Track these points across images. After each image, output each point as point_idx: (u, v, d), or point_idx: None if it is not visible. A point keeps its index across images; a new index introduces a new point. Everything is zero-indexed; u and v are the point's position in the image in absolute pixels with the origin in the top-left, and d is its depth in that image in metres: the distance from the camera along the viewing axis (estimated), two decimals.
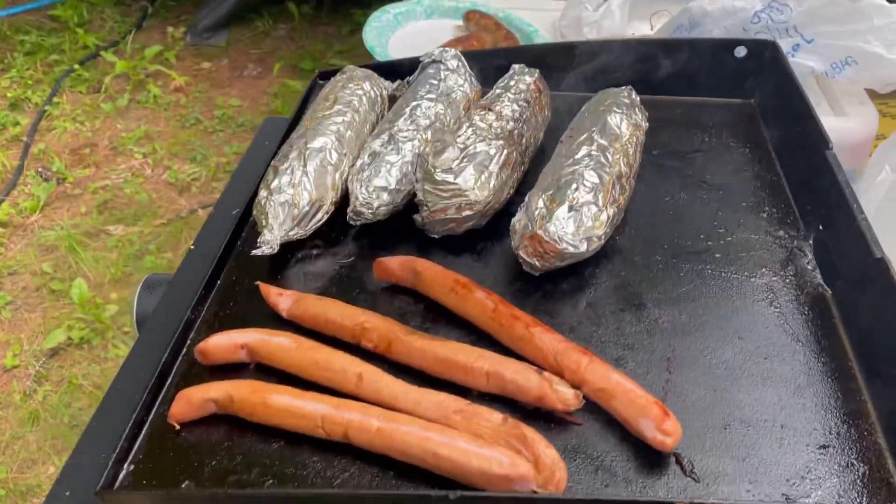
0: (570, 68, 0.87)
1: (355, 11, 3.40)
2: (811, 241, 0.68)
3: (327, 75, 0.90)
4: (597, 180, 0.64)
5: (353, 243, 0.70)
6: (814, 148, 0.70)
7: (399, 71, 0.86)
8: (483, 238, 0.69)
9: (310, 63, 3.25)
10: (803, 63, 1.02)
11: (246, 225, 0.71)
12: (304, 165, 0.67)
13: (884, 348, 0.54)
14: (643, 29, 1.26)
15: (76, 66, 3.11)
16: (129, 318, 2.21)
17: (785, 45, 1.03)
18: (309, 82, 0.91)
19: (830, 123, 1.04)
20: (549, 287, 0.65)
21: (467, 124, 0.69)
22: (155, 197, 2.66)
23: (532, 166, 0.74)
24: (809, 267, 0.66)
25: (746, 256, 0.67)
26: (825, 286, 0.64)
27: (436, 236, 0.68)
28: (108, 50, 3.23)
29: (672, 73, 0.87)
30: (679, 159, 0.79)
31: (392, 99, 0.83)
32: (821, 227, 0.66)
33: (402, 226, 0.70)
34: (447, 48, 0.82)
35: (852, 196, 0.63)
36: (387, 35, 1.19)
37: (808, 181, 0.71)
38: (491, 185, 0.66)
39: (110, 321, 2.18)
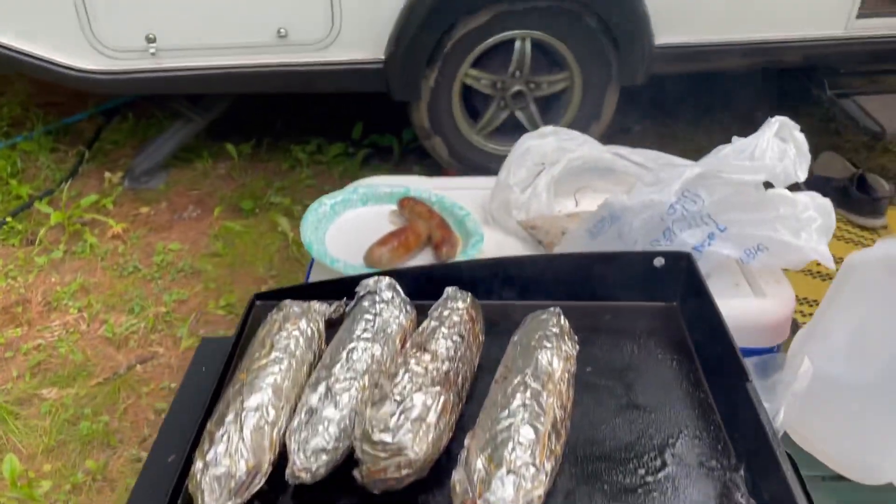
0: (502, 282, 0.90)
1: (294, 147, 3.48)
2: (741, 473, 0.70)
3: (264, 296, 0.91)
4: (532, 436, 0.65)
5: (292, 501, 0.69)
6: (734, 377, 0.74)
7: (337, 288, 0.88)
8: (424, 489, 0.69)
9: (250, 202, 3.29)
10: (719, 251, 1.08)
11: (181, 492, 0.69)
12: (241, 430, 0.67)
13: None
14: (568, 206, 1.33)
15: (8, 219, 3.07)
16: (63, 493, 2.10)
17: (701, 233, 1.09)
18: (246, 305, 0.91)
19: (750, 304, 1.11)
20: None
21: (403, 370, 0.71)
22: (91, 354, 2.58)
23: (468, 397, 0.75)
24: (743, 501, 0.67)
25: (681, 491, 0.69)
26: None
27: (376, 492, 0.68)
28: (42, 200, 3.21)
29: (598, 281, 0.91)
30: (611, 377, 0.82)
31: (329, 322, 0.84)
32: (748, 461, 0.69)
33: (341, 479, 0.69)
34: (381, 277, 0.84)
35: (776, 441, 0.66)
36: (324, 227, 1.21)
37: (732, 409, 0.74)
38: (430, 439, 0.67)
39: (44, 498, 2.07)
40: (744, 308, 1.08)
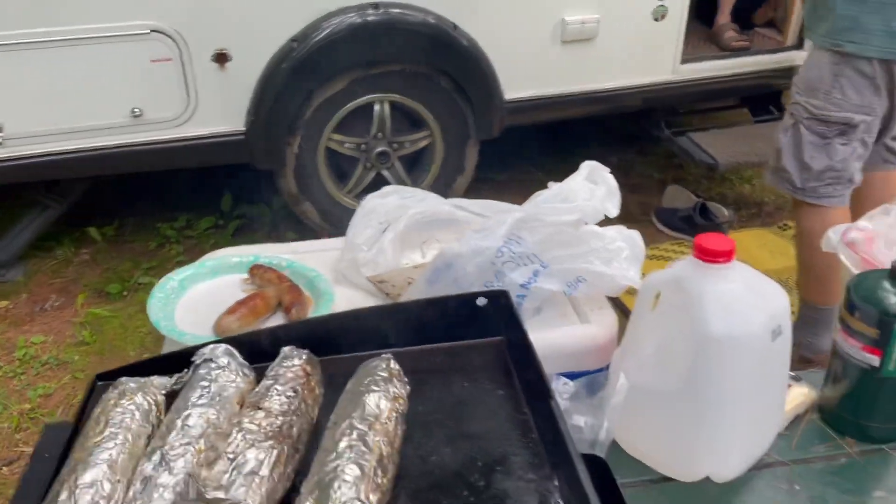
0: (340, 335, 0.96)
1: (162, 225, 3.42)
2: (555, 480, 0.77)
3: (105, 377, 0.92)
4: (357, 473, 0.70)
5: None
6: (543, 397, 0.82)
7: (177, 361, 0.91)
8: None
9: (117, 286, 3.20)
10: (544, 287, 1.19)
11: None
12: None
13: None
14: (415, 258, 1.41)
15: None
16: None
17: (528, 272, 1.20)
18: (87, 387, 0.92)
19: (577, 331, 1.22)
20: None
21: (237, 429, 0.75)
22: None
23: (308, 448, 0.80)
24: None
25: None
26: None
27: None
28: None
29: (431, 325, 0.99)
30: (443, 412, 0.89)
31: (171, 395, 0.87)
32: (557, 470, 0.77)
33: None
34: (218, 344, 0.88)
35: (574, 449, 0.75)
36: (173, 304, 1.23)
37: (543, 422, 0.82)
38: (263, 491, 0.71)
39: None
40: (572, 335, 1.19)
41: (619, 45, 3.23)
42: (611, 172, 1.29)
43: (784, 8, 3.75)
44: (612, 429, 1.02)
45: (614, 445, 1.09)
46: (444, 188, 3.20)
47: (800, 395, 1.16)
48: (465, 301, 0.99)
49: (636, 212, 3.54)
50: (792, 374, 1.20)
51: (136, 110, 2.70)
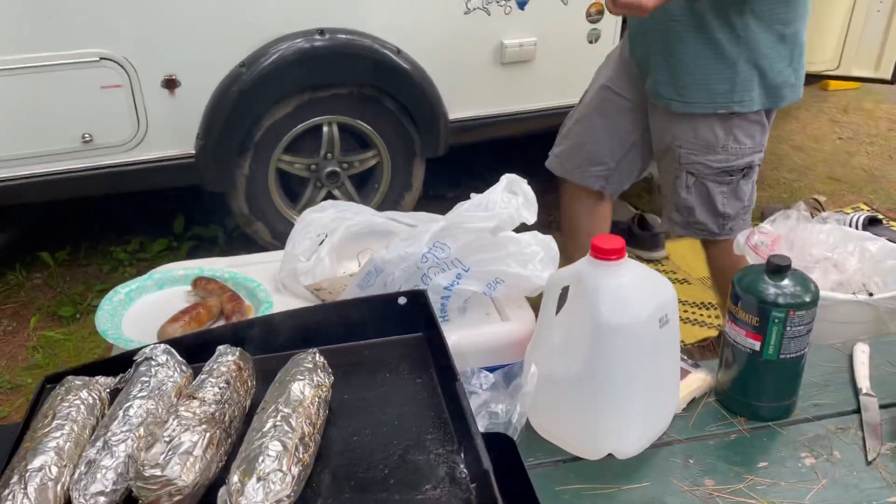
0: (272, 335, 1.05)
1: (115, 248, 3.46)
2: (462, 454, 0.88)
3: (54, 379, 1.00)
4: (280, 448, 0.80)
5: None
6: (450, 380, 0.93)
7: (120, 362, 0.99)
8: None
9: (70, 308, 3.22)
10: (466, 288, 1.30)
11: None
12: (25, 487, 0.76)
13: None
14: (352, 267, 1.51)
15: None
16: None
17: (451, 275, 1.31)
18: (36, 389, 1.00)
19: (497, 328, 1.33)
20: None
21: (173, 416, 0.83)
22: None
23: (240, 434, 0.88)
24: (461, 475, 0.85)
25: (415, 476, 0.86)
26: (471, 489, 0.83)
27: None
28: None
29: (357, 324, 1.09)
30: (366, 399, 0.99)
31: (115, 393, 0.95)
32: (463, 444, 0.87)
33: None
34: (158, 344, 0.97)
35: (472, 420, 0.85)
36: (120, 314, 1.31)
37: (452, 404, 0.93)
38: (196, 469, 0.80)
39: None
40: (493, 332, 1.30)
41: (556, 67, 3.39)
42: (528, 184, 1.41)
43: None
44: (525, 412, 1.13)
45: (530, 430, 1.20)
46: (392, 205, 3.30)
47: (697, 381, 1.29)
48: (388, 300, 1.09)
49: None
50: (691, 361, 1.33)
51: (86, 136, 2.76)
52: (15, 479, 0.78)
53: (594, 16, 3.37)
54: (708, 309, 3.20)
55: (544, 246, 1.33)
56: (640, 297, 1.09)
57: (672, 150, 1.97)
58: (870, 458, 1.14)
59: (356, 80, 3.07)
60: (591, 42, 3.43)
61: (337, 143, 3.19)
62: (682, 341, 2.56)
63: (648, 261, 3.49)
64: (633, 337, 1.07)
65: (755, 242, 1.75)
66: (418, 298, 1.08)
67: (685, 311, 3.08)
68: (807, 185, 4.30)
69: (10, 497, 0.76)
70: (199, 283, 1.37)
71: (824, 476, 1.12)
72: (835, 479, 1.11)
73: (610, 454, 1.14)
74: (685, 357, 1.33)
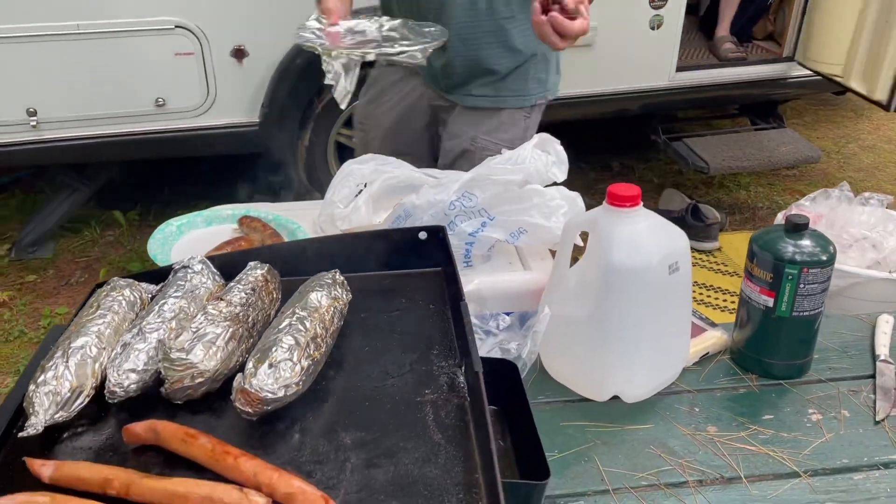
0: (300, 259, 1.13)
1: (181, 211, 3.64)
2: (462, 367, 0.94)
3: (103, 284, 1.10)
4: (292, 342, 0.87)
5: (114, 418, 0.88)
6: (456, 299, 0.99)
7: (162, 274, 1.09)
8: (218, 398, 0.89)
9: (138, 264, 3.41)
10: (490, 235, 1.35)
11: (20, 417, 0.87)
12: (66, 361, 0.86)
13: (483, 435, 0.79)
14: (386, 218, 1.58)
15: None
16: None
17: (476, 223, 1.36)
18: (88, 293, 1.11)
19: (519, 277, 1.38)
20: (267, 428, 0.86)
21: (202, 313, 0.92)
22: None
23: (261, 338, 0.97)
24: (460, 385, 0.91)
25: (417, 383, 0.92)
26: (467, 396, 0.89)
27: (179, 402, 0.88)
28: None
29: (379, 255, 1.16)
30: (380, 319, 1.05)
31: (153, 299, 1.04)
32: (463, 357, 0.93)
33: (154, 398, 0.89)
34: (195, 256, 1.06)
35: (470, 332, 0.91)
36: (170, 243, 1.42)
37: (458, 323, 0.99)
38: (218, 357, 0.88)
39: None
40: (514, 279, 1.35)
41: (616, 52, 3.39)
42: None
43: (782, 22, 3.88)
44: (535, 350, 1.18)
45: (542, 371, 1.25)
46: None
47: (712, 338, 1.31)
48: (409, 234, 1.16)
49: None
50: (709, 321, 1.35)
51: (159, 100, 2.93)
52: (59, 353, 0.88)
53: (657, 2, 3.36)
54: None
55: (569, 200, 1.38)
56: (652, 243, 1.12)
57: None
58: (878, 418, 1.14)
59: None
60: (653, 28, 3.42)
61: None
62: None
63: (700, 251, 3.46)
64: (642, 281, 1.11)
65: None
66: (437, 233, 1.14)
67: (733, 304, 3.05)
68: (874, 185, 4.16)
69: (52, 367, 0.86)
70: (245, 220, 1.47)
71: (829, 431, 1.13)
72: (839, 434, 1.12)
73: (616, 397, 1.18)
74: (702, 316, 1.36)
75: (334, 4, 1.55)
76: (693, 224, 3.50)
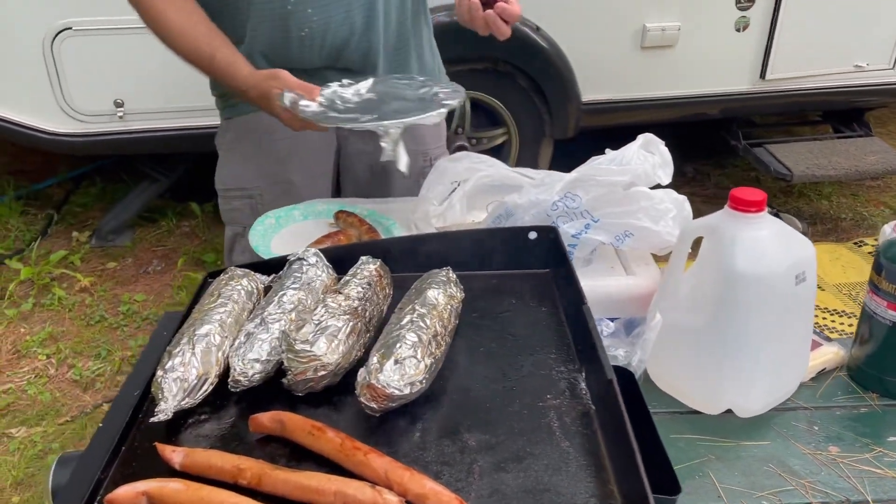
0: (408, 255, 1.12)
1: None
2: (583, 373, 0.91)
3: (215, 274, 1.11)
4: (416, 339, 0.86)
5: (235, 406, 0.88)
6: (577, 303, 0.96)
7: (273, 266, 1.09)
8: (338, 392, 0.88)
9: (212, 255, 3.46)
10: (594, 237, 1.31)
11: (146, 402, 0.88)
12: (193, 348, 0.86)
13: (620, 446, 0.75)
14: (481, 216, 1.56)
15: None
16: None
17: (579, 224, 1.33)
18: (199, 283, 1.11)
19: (623, 281, 1.34)
20: (389, 425, 0.84)
21: (321, 305, 0.91)
22: (59, 395, 2.70)
23: (377, 333, 0.95)
24: (582, 392, 0.88)
25: (537, 387, 0.89)
26: (592, 404, 0.86)
27: (300, 394, 0.87)
28: (12, 258, 3.35)
29: (487, 253, 1.14)
30: (491, 319, 1.03)
31: (268, 290, 1.05)
32: (585, 364, 0.90)
33: (274, 388, 0.88)
34: (309, 248, 1.06)
35: (598, 337, 0.88)
36: (270, 236, 1.42)
37: (577, 328, 0.96)
38: (340, 350, 0.87)
39: None
40: (617, 284, 1.31)
41: (699, 54, 3.30)
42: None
43: None
44: (644, 358, 1.14)
45: (649, 382, 1.21)
46: None
47: (829, 353, 1.25)
48: (518, 233, 1.13)
49: None
50: (823, 334, 1.29)
51: None
52: (185, 340, 0.88)
53: (743, 3, 3.26)
54: (841, 316, 3.03)
55: (677, 204, 1.33)
56: (778, 250, 1.07)
57: None
58: None
59: (493, 55, 3.13)
60: (738, 30, 3.32)
61: (468, 119, 3.26)
62: None
63: None
64: (767, 290, 1.06)
65: None
66: (549, 234, 1.11)
67: (816, 317, 2.93)
68: None
69: (179, 353, 0.86)
70: (341, 215, 1.46)
71: None
72: None
73: (729, 410, 1.13)
74: (818, 331, 1.30)
75: (297, 79, 1.39)
76: None
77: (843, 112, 3.92)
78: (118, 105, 2.94)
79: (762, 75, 3.45)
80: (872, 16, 3.48)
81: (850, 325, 3.09)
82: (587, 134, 3.48)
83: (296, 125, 1.38)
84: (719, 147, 4.01)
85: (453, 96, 1.46)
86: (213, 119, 3.01)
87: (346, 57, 1.59)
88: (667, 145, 1.41)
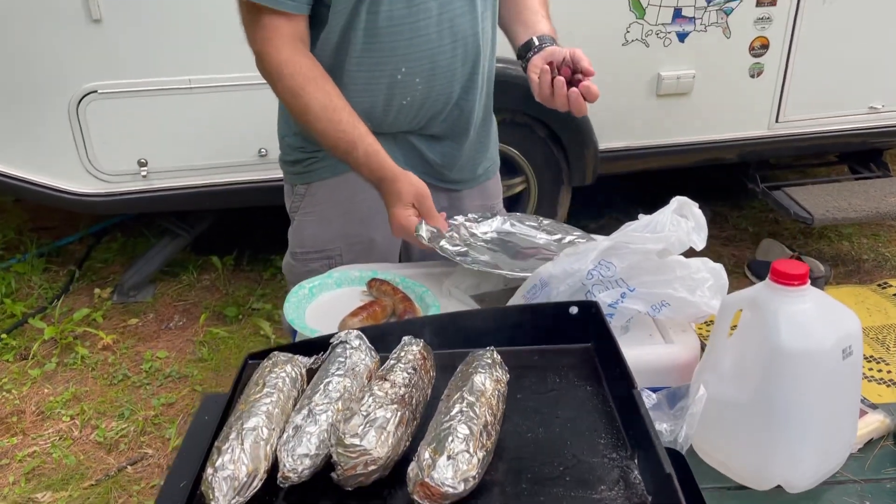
0: (448, 333, 1.11)
1: (275, 256, 3.72)
2: (636, 460, 0.89)
3: (256, 356, 1.11)
4: (467, 431, 0.85)
5: (283, 502, 0.87)
6: (626, 388, 0.95)
7: (315, 345, 1.08)
8: (388, 485, 0.87)
9: (234, 309, 3.47)
10: (630, 307, 1.31)
11: (194, 499, 0.87)
12: (242, 444, 0.86)
13: None
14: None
15: (3, 336, 3.21)
16: None
17: (615, 293, 1.32)
18: (240, 364, 1.11)
19: (661, 350, 1.32)
20: None
21: (368, 394, 0.91)
22: (83, 458, 2.69)
23: (423, 419, 0.95)
24: (636, 481, 0.87)
25: (589, 477, 0.88)
26: (647, 494, 0.84)
27: (350, 489, 0.86)
28: (35, 317, 3.37)
29: (527, 329, 1.13)
30: (537, 400, 1.02)
31: (310, 372, 1.04)
32: (638, 450, 0.89)
33: (322, 482, 0.87)
34: (351, 330, 1.05)
35: (651, 425, 0.86)
36: (304, 307, 1.42)
37: (627, 412, 0.94)
38: (389, 443, 0.86)
39: None
40: (656, 353, 1.29)
41: (714, 100, 3.33)
42: (709, 222, 1.40)
43: None
44: (691, 434, 1.12)
45: (693, 455, 1.19)
46: None
47: (875, 422, 1.22)
48: (559, 308, 1.12)
49: (729, 264, 3.57)
50: (868, 402, 1.26)
51: (262, 150, 3.01)
52: (233, 435, 0.87)
53: (757, 49, 3.30)
54: (869, 361, 2.99)
55: (714, 273, 1.32)
56: (823, 324, 1.06)
57: None
58: None
59: (509, 106, 3.15)
60: (752, 77, 3.35)
61: None
62: None
63: None
64: (814, 365, 1.04)
65: None
66: (590, 309, 1.11)
67: None
68: None
69: (229, 450, 0.85)
70: (374, 283, 1.47)
71: None
72: None
73: (779, 486, 1.11)
74: (863, 398, 1.27)
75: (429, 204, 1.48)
76: None
77: (859, 152, 3.93)
78: (142, 164, 2.98)
79: (777, 119, 3.47)
80: (886, 57, 3.51)
81: (880, 371, 3.04)
82: (606, 180, 3.49)
83: (419, 246, 1.47)
84: (737, 188, 4.01)
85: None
86: (235, 175, 3.06)
87: (435, 125, 1.63)
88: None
